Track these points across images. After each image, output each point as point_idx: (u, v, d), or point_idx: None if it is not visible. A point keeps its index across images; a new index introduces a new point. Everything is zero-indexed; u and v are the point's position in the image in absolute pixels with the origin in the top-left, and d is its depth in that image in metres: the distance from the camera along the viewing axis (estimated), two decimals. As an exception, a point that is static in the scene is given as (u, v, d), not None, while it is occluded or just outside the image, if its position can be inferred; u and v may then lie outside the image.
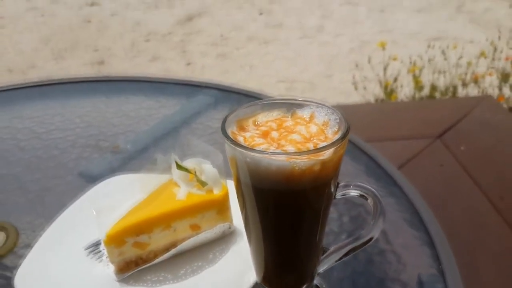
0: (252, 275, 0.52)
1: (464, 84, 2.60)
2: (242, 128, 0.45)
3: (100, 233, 0.55)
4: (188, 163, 0.60)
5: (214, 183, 0.58)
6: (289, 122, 0.46)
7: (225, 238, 0.60)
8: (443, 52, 2.65)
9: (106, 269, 0.56)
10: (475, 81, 2.58)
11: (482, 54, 2.64)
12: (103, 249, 0.58)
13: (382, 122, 1.82)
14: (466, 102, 2.05)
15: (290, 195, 0.42)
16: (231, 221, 0.60)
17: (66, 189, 0.74)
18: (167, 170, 0.61)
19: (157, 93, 1.03)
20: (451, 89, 2.56)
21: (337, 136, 0.42)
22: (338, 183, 0.45)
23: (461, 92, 2.61)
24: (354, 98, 2.82)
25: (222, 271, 0.55)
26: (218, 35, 4.76)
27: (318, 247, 0.48)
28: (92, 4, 6.23)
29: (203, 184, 0.58)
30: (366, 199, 0.45)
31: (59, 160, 0.82)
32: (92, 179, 0.73)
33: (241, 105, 0.47)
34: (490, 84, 2.59)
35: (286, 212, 0.43)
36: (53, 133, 0.90)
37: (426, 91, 2.61)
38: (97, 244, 0.59)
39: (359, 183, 0.45)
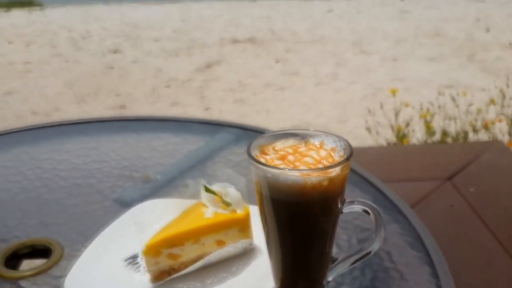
0: (270, 284, 0.59)
1: (475, 130, 2.67)
2: (263, 152, 0.54)
3: (139, 244, 0.63)
4: (215, 187, 0.69)
5: (237, 204, 0.67)
6: (302, 148, 0.55)
7: (247, 254, 0.68)
8: (453, 99, 2.75)
9: (142, 278, 0.64)
10: (485, 127, 2.65)
11: (492, 101, 2.73)
12: (141, 260, 0.66)
13: (393, 164, 1.90)
14: (476, 146, 2.12)
15: (303, 206, 0.50)
16: (252, 238, 0.68)
17: (103, 213, 0.83)
18: (197, 193, 0.70)
19: (182, 131, 1.13)
20: (462, 134, 2.64)
21: (342, 158, 0.51)
22: (344, 200, 0.53)
23: (471, 137, 2.69)
24: (368, 142, 2.91)
25: (244, 281, 0.63)
26: (236, 81, 4.95)
27: (328, 257, 0.56)
28: (115, 52, 6.54)
29: (227, 204, 0.67)
30: (368, 213, 0.53)
31: (96, 187, 0.91)
32: (126, 204, 0.83)
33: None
34: (500, 130, 2.66)
35: (300, 222, 0.52)
36: (90, 165, 1.00)
37: (437, 137, 2.69)
38: (135, 257, 0.67)
39: (362, 200, 0.54)
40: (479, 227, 1.53)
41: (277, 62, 5.62)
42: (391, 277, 0.67)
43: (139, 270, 0.65)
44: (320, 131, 0.56)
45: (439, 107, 2.75)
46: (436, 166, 1.89)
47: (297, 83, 4.82)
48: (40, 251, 0.74)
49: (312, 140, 0.56)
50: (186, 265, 0.64)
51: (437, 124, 2.72)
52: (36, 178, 0.95)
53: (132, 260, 0.67)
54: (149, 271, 0.64)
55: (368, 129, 2.89)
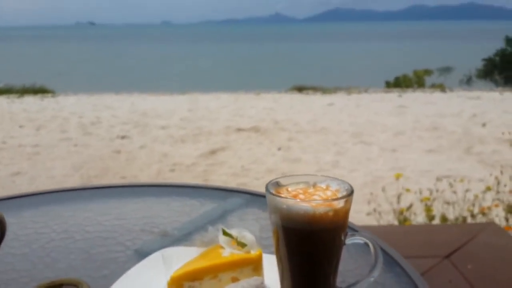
0: (281, 315, 0.66)
1: (473, 216, 2.75)
2: (278, 192, 0.64)
3: (164, 278, 0.71)
4: (232, 231, 0.77)
5: (251, 246, 0.75)
6: (311, 189, 0.65)
7: (258, 293, 0.75)
8: (450, 185, 2.86)
9: (165, 312, 0.71)
10: (482, 212, 2.73)
11: (488, 188, 2.84)
12: (163, 295, 0.73)
13: (394, 242, 1.96)
14: (473, 227, 2.18)
15: (312, 233, 0.59)
16: (263, 277, 0.75)
17: (125, 260, 0.90)
18: (215, 238, 0.78)
19: (198, 195, 1.23)
20: (460, 219, 2.71)
21: (345, 194, 0.61)
22: (347, 232, 0.62)
23: (470, 222, 2.76)
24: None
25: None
26: (239, 166, 5.09)
27: (333, 284, 0.63)
28: (123, 138, 6.78)
29: (242, 246, 0.75)
30: (368, 245, 0.62)
31: (117, 240, 0.99)
32: (146, 254, 0.90)
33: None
34: (497, 215, 2.74)
35: (309, 248, 0.60)
36: (112, 221, 1.08)
37: (437, 221, 2.76)
38: (157, 292, 0.74)
39: (363, 233, 0.62)
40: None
41: (279, 149, 5.81)
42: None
43: (163, 304, 0.72)
44: (327, 176, 0.66)
45: (437, 191, 2.85)
46: (435, 245, 1.95)
47: (299, 169, 4.95)
48: (68, 290, 0.81)
49: (319, 184, 0.66)
50: (204, 298, 0.71)
51: (436, 209, 2.80)
52: (62, 231, 1.04)
53: (155, 295, 0.74)
54: (171, 303, 0.70)
55: (370, 215, 2.96)
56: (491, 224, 2.33)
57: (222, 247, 0.76)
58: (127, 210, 1.15)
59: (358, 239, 0.62)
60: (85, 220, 1.09)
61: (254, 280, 0.74)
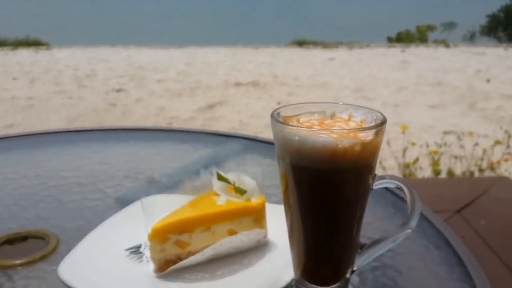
0: (288, 274, 0.54)
1: (481, 170, 2.63)
2: (286, 123, 0.50)
3: (145, 231, 0.58)
4: (229, 176, 0.64)
5: (252, 193, 0.62)
6: (328, 121, 0.50)
7: (260, 248, 0.62)
8: (458, 138, 2.73)
9: (146, 267, 0.58)
10: (491, 167, 2.62)
11: (497, 141, 2.71)
12: (144, 250, 0.60)
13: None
14: (483, 182, 2.08)
15: (332, 175, 0.45)
16: (266, 230, 0.62)
17: (104, 209, 0.77)
18: (209, 183, 0.65)
19: (191, 140, 1.09)
20: (467, 174, 2.60)
21: (377, 123, 0.47)
22: (375, 174, 0.48)
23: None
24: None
25: (259, 272, 0.57)
26: (237, 120, 4.95)
27: (355, 239, 0.50)
28: (119, 91, 6.59)
29: (242, 192, 0.62)
30: (401, 190, 0.48)
31: (97, 186, 0.86)
32: (129, 203, 0.77)
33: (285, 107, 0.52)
34: (506, 170, 2.62)
35: (328, 194, 0.47)
36: (93, 166, 0.95)
37: (443, 176, 2.64)
38: (138, 247, 0.61)
39: (394, 175, 0.49)
40: (490, 257, 1.47)
41: (279, 104, 5.65)
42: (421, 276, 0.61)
43: (141, 260, 0.60)
44: (348, 104, 0.52)
45: (445, 144, 2.72)
46: (444, 199, 1.84)
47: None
48: (36, 243, 0.68)
49: (338, 114, 0.51)
50: (194, 254, 0.58)
51: (443, 164, 2.68)
52: (34, 176, 0.90)
53: (135, 249, 0.61)
54: (153, 259, 0.58)
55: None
56: (502, 179, 2.22)
57: (216, 194, 0.63)
58: (110, 154, 1.02)
59: (388, 183, 0.48)
60: (61, 164, 0.96)
61: (255, 233, 0.61)
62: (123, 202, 0.79)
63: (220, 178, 0.63)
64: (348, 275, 0.51)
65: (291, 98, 6.08)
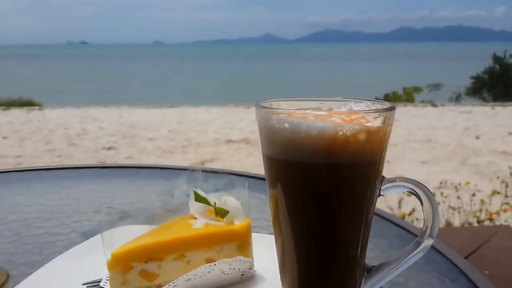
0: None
1: (479, 221, 2.53)
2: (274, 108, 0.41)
3: (105, 254, 0.48)
4: (209, 196, 0.55)
5: (236, 214, 0.52)
6: (324, 113, 0.42)
7: (245, 282, 0.51)
8: (456, 188, 2.65)
9: (105, 305, 0.47)
10: (490, 218, 2.52)
11: (495, 191, 2.63)
12: (104, 285, 0.50)
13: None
14: (484, 231, 1.97)
15: (331, 172, 0.36)
16: (252, 258, 0.52)
17: (68, 244, 0.67)
18: (183, 206, 0.55)
19: (174, 176, 1.00)
20: (466, 225, 2.49)
21: (387, 106, 0.38)
22: (383, 176, 0.40)
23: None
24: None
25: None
26: (229, 176, 4.84)
27: (360, 260, 0.40)
28: (109, 149, 6.51)
29: (223, 213, 0.52)
30: (417, 196, 0.39)
31: (63, 222, 0.76)
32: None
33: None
34: (506, 220, 2.52)
35: (326, 200, 0.37)
36: (60, 201, 0.85)
37: (441, 227, 2.54)
38: (97, 282, 0.51)
39: (406, 178, 0.40)
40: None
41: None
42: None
43: (101, 297, 0.49)
44: (349, 99, 0.44)
45: (441, 194, 2.63)
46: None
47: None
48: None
49: (336, 109, 0.43)
50: (164, 288, 0.48)
51: (441, 215, 2.58)
52: (-7, 212, 0.80)
53: (94, 284, 0.51)
54: (114, 293, 0.47)
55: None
56: (504, 227, 2.12)
57: (193, 217, 0.53)
58: (82, 190, 0.92)
59: (399, 186, 0.39)
60: (26, 200, 0.86)
61: (239, 262, 0.50)
62: (89, 237, 0.69)
63: (198, 198, 0.54)
64: (353, 303, 0.41)
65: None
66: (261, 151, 0.42)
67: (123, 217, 0.76)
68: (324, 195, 0.37)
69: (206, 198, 0.54)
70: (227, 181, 0.57)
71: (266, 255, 0.53)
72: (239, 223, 0.52)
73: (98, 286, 0.50)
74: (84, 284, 0.50)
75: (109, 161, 5.78)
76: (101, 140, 7.16)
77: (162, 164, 1.09)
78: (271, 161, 0.38)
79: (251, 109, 9.94)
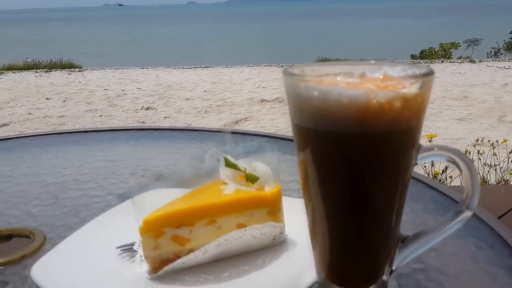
0: (310, 276, 0.43)
1: (516, 179, 2.46)
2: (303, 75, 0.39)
3: (136, 219, 0.48)
4: (239, 162, 0.54)
5: (266, 180, 0.52)
6: (355, 79, 0.40)
7: (276, 246, 0.51)
8: (492, 146, 2.56)
9: (138, 268, 0.48)
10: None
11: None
12: (138, 248, 0.51)
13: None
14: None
15: (363, 142, 0.35)
16: (283, 223, 0.52)
17: (104, 206, 0.68)
18: (214, 171, 0.55)
19: (206, 138, 1.00)
20: (502, 183, 2.43)
21: (425, 71, 0.36)
22: (420, 145, 0.38)
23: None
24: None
25: (274, 274, 0.47)
26: (263, 136, 4.84)
27: (394, 230, 0.39)
28: (148, 109, 6.60)
29: (253, 179, 0.52)
30: (456, 165, 0.37)
31: (99, 184, 0.77)
32: (132, 200, 0.68)
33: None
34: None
35: (359, 169, 0.36)
36: (97, 164, 0.87)
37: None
38: (131, 245, 0.52)
39: (445, 146, 0.38)
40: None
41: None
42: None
43: (134, 260, 0.50)
44: (383, 63, 0.41)
45: (478, 152, 2.55)
46: (483, 206, 1.69)
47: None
48: (20, 242, 0.60)
49: (370, 75, 0.41)
50: (195, 252, 0.48)
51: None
52: (33, 174, 0.83)
53: (128, 248, 0.52)
54: (147, 258, 0.48)
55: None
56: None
57: (224, 183, 0.53)
58: (117, 152, 0.93)
59: (436, 155, 0.38)
60: (63, 163, 0.88)
61: (270, 227, 0.50)
62: (125, 199, 0.70)
63: (228, 164, 0.54)
64: (385, 277, 0.40)
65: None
66: (292, 115, 0.40)
67: (157, 180, 0.77)
68: (356, 165, 0.36)
69: (236, 164, 0.53)
70: (257, 145, 0.56)
71: (297, 219, 0.53)
72: (269, 189, 0.52)
73: (131, 250, 0.51)
74: (118, 247, 0.51)
75: (148, 121, 5.89)
76: (139, 100, 7.27)
77: (195, 127, 1.09)
78: (300, 130, 0.37)
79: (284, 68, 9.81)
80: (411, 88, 0.34)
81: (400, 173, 0.37)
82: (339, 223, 0.39)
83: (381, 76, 0.37)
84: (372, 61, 0.42)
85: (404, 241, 0.40)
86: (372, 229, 0.38)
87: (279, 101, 6.55)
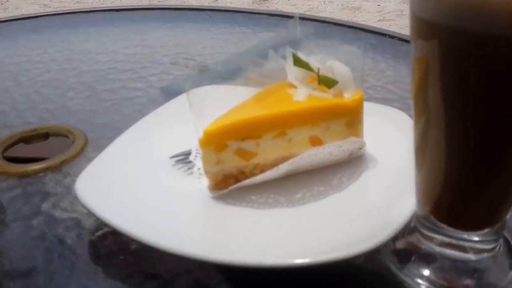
0: (404, 206, 0.36)
1: None
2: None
3: (195, 134, 0.41)
4: (310, 60, 0.45)
5: (346, 84, 0.43)
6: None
7: (353, 163, 0.44)
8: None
9: (197, 183, 0.42)
10: None
11: None
12: (195, 159, 0.45)
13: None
14: None
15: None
16: (363, 139, 0.44)
17: (147, 101, 0.61)
18: (280, 71, 0.46)
19: (252, 23, 0.89)
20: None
21: None
22: None
23: None
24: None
25: (355, 198, 0.40)
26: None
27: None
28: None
29: (330, 83, 0.43)
30: None
31: (139, 74, 0.70)
32: (177, 94, 0.60)
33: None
34: None
35: (502, 82, 0.27)
36: (135, 49, 0.78)
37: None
38: (187, 154, 0.46)
39: None
40: None
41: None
42: None
43: (191, 172, 0.44)
44: None
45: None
46: None
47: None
48: (58, 143, 0.54)
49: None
50: (262, 170, 0.42)
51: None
52: (65, 60, 0.75)
53: (183, 158, 0.45)
54: (207, 173, 0.42)
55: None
56: None
57: (292, 86, 0.44)
58: (155, 37, 0.84)
59: None
60: (98, 47, 0.80)
61: (350, 143, 0.43)
62: (169, 94, 0.63)
63: (297, 62, 0.44)
64: (508, 216, 0.33)
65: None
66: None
67: (203, 71, 0.69)
68: (501, 77, 0.27)
69: (308, 63, 0.44)
70: (335, 36, 0.46)
71: (376, 131, 0.45)
72: (349, 96, 0.43)
73: (187, 160, 0.45)
74: (172, 157, 0.45)
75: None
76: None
77: (237, 7, 0.97)
78: (427, 28, 0.28)
79: None
80: None
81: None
82: (466, 145, 0.30)
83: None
84: None
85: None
86: (505, 157, 0.30)
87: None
